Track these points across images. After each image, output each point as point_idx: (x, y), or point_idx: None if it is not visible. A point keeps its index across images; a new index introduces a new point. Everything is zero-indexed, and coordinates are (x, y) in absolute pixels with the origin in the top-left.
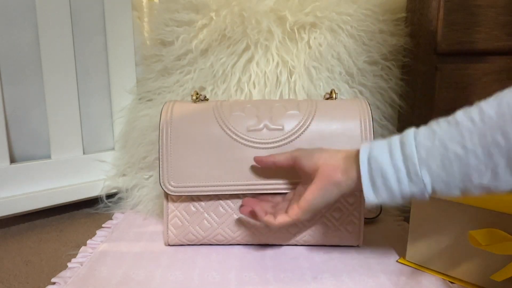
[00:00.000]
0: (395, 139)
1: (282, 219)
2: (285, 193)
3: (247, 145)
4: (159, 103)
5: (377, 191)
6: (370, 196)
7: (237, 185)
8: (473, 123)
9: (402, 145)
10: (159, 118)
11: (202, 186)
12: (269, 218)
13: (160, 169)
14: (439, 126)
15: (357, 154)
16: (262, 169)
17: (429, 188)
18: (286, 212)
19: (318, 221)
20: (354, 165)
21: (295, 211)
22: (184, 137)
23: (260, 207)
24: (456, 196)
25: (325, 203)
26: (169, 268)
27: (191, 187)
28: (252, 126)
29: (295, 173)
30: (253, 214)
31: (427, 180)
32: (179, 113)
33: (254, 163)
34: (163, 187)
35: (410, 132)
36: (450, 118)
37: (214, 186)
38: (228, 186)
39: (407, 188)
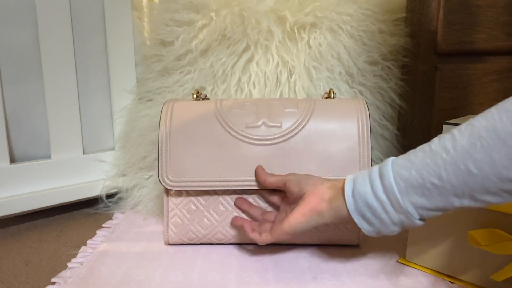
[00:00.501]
0: (375, 170)
1: (265, 237)
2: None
3: (245, 142)
4: (159, 103)
5: (369, 222)
6: (365, 227)
7: (235, 181)
8: (447, 152)
9: (381, 176)
10: (159, 118)
11: (200, 181)
12: (255, 236)
13: (159, 163)
14: (416, 155)
15: (342, 187)
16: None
17: (416, 216)
18: (271, 230)
19: None
20: (338, 197)
21: (278, 233)
22: (184, 132)
23: (248, 224)
24: (439, 215)
25: (306, 228)
26: (169, 268)
27: (189, 181)
28: (251, 123)
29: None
30: (242, 224)
31: (411, 209)
32: (180, 109)
33: (251, 160)
34: (161, 181)
35: (388, 162)
36: (426, 146)
37: (212, 181)
38: (226, 182)
39: (396, 217)
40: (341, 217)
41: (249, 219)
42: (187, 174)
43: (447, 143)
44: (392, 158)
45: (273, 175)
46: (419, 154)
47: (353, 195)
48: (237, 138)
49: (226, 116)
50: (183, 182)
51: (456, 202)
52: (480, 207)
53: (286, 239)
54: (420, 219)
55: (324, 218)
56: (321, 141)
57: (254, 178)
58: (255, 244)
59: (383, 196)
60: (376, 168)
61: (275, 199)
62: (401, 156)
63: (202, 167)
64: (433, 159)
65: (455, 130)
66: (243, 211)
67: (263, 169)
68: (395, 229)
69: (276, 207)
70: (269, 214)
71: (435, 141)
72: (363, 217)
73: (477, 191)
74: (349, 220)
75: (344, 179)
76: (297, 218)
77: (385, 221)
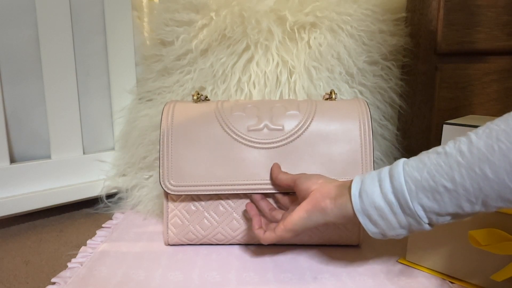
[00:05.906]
0: (385, 171)
1: (268, 235)
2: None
3: (247, 145)
4: (159, 103)
5: (375, 223)
6: (370, 228)
7: (237, 185)
8: (462, 155)
9: (391, 177)
10: (159, 118)
11: (201, 186)
12: (259, 232)
13: (160, 168)
14: (429, 157)
15: (350, 186)
16: (262, 169)
17: (425, 220)
18: (275, 228)
19: None
20: (344, 196)
21: (280, 230)
22: (185, 136)
23: (258, 219)
24: (448, 222)
25: (308, 226)
26: (169, 268)
27: (190, 186)
28: (253, 126)
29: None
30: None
31: (420, 212)
32: (180, 112)
33: (254, 163)
34: (162, 186)
35: (400, 163)
36: (440, 148)
37: (213, 185)
38: (228, 185)
39: (404, 219)
40: (345, 216)
41: (259, 214)
42: (188, 178)
43: (462, 145)
44: (404, 159)
45: (285, 173)
46: (432, 156)
47: (359, 195)
48: (239, 142)
49: (227, 119)
50: (185, 186)
51: (468, 208)
52: None
53: (289, 237)
54: (429, 224)
55: (327, 216)
56: (323, 143)
57: (256, 182)
58: (255, 244)
59: (392, 198)
60: (386, 168)
61: (284, 200)
62: (413, 158)
63: (204, 171)
64: (447, 161)
65: (472, 133)
66: (254, 202)
67: (279, 167)
68: (401, 232)
69: (285, 209)
70: (277, 212)
71: (450, 143)
72: (369, 218)
73: (491, 197)
74: (353, 220)
75: (353, 179)
76: (300, 214)
77: (392, 223)
